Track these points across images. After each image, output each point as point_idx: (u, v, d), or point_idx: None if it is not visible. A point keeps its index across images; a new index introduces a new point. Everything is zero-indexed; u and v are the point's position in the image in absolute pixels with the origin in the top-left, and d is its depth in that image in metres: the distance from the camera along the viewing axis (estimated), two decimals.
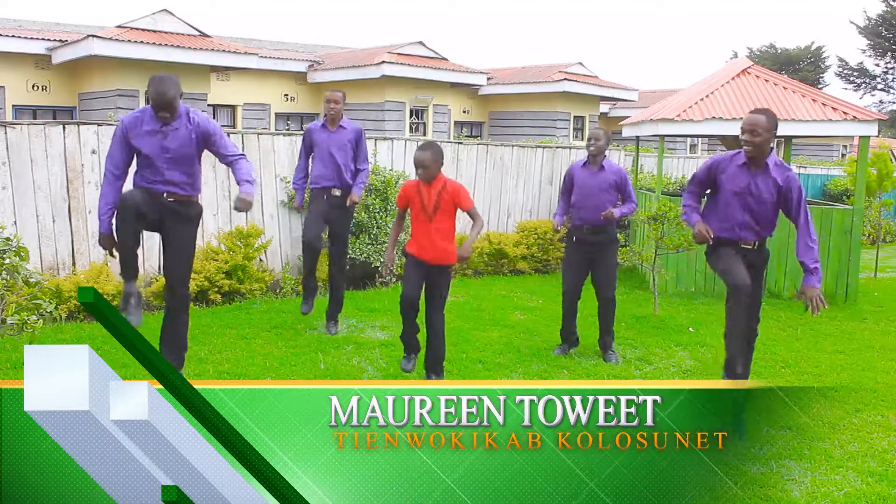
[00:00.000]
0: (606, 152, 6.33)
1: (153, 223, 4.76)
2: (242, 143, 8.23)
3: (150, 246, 7.34)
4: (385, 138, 9.68)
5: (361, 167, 6.66)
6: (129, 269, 4.70)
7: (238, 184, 4.70)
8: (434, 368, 5.41)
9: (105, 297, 7.37)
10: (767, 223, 4.87)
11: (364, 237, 8.63)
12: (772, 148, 4.74)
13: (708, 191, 5.05)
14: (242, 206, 4.53)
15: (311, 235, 6.54)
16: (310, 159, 6.73)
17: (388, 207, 8.72)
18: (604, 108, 21.96)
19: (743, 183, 4.77)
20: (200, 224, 5.25)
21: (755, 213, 4.79)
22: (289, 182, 8.51)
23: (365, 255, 8.56)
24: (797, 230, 4.75)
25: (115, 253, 4.72)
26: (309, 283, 6.74)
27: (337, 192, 6.53)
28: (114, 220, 4.66)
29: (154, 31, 13.39)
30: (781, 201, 4.78)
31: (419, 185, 5.19)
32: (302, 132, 8.41)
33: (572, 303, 6.32)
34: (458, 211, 5.27)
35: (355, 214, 7.82)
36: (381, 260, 8.48)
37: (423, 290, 5.33)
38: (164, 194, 4.69)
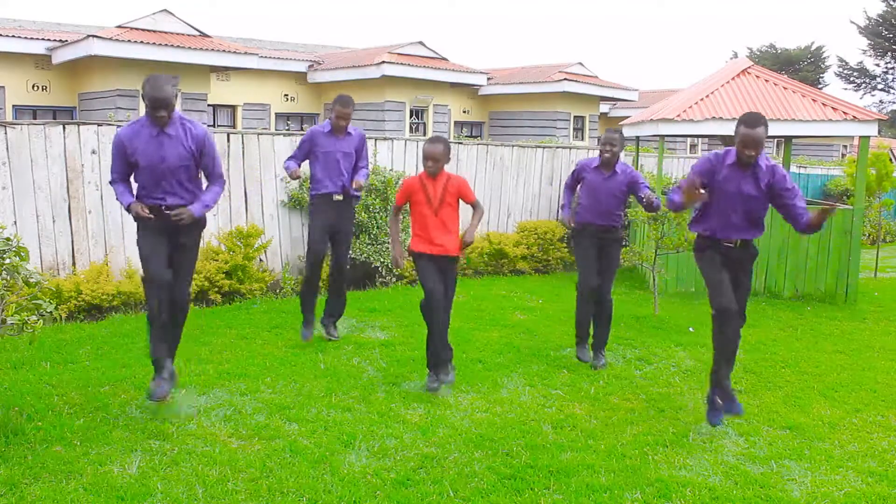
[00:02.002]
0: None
1: (168, 236, 4.69)
2: (242, 142, 8.23)
3: None
4: (385, 138, 9.68)
5: (362, 165, 6.63)
6: (160, 329, 4.64)
7: (196, 199, 4.68)
8: (442, 370, 5.36)
9: (104, 297, 7.36)
10: (758, 221, 4.79)
11: (364, 237, 8.64)
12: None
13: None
14: (176, 214, 4.52)
15: (317, 248, 6.50)
16: (303, 161, 6.57)
17: (388, 207, 8.72)
18: (604, 108, 21.95)
19: (735, 183, 4.69)
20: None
21: (746, 213, 4.73)
22: (289, 182, 8.52)
23: (365, 255, 8.56)
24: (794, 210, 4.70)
25: (147, 212, 4.58)
26: (307, 301, 6.57)
27: (339, 198, 6.49)
28: (132, 206, 4.59)
29: (154, 31, 13.38)
30: (773, 196, 4.70)
31: (423, 179, 5.23)
32: (302, 132, 8.40)
33: (594, 290, 6.07)
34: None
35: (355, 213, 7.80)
36: (390, 258, 8.44)
37: None
38: (163, 207, 4.62)
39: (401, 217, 5.56)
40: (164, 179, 4.59)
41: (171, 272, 4.64)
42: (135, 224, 4.78)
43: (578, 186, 6.27)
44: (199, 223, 4.78)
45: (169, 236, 4.70)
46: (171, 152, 4.55)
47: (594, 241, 6.10)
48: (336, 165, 6.47)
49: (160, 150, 4.53)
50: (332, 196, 6.49)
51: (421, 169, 5.42)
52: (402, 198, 5.34)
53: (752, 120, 4.53)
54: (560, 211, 6.49)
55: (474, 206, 5.36)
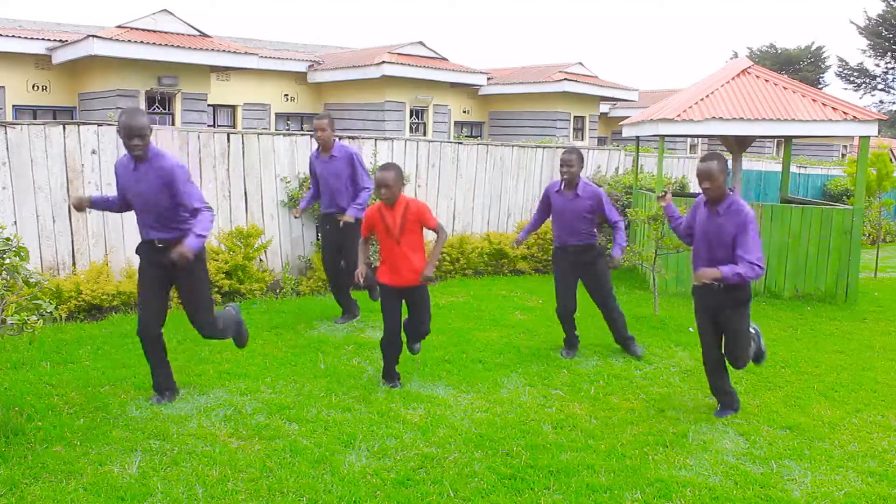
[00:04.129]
0: (582, 174, 6.22)
1: (167, 273, 4.70)
2: (242, 142, 8.22)
3: None
4: (385, 138, 9.68)
5: (365, 186, 6.81)
6: (156, 356, 4.79)
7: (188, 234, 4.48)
8: (415, 340, 5.59)
9: (104, 297, 7.37)
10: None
11: None
12: (731, 189, 4.75)
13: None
14: (176, 256, 4.31)
15: (329, 266, 7.06)
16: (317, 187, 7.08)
17: None
18: (604, 108, 21.96)
19: (709, 224, 4.80)
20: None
21: (720, 253, 4.77)
22: (289, 182, 8.52)
23: None
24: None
25: (81, 208, 4.78)
26: (340, 300, 7.15)
27: (340, 216, 6.80)
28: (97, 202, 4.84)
29: (154, 31, 13.38)
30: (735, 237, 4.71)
31: (381, 209, 5.11)
32: (302, 132, 8.51)
33: (569, 314, 6.24)
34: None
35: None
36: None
37: (407, 307, 5.36)
38: (156, 241, 4.64)
39: (369, 246, 5.53)
40: (146, 214, 4.62)
41: (158, 325, 4.71)
42: (135, 224, 4.83)
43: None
44: (198, 255, 4.65)
45: (167, 271, 4.68)
46: (145, 187, 4.55)
47: (571, 262, 6.19)
48: (326, 186, 6.87)
49: (137, 184, 4.59)
50: (334, 215, 6.87)
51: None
52: (365, 229, 5.26)
53: (707, 156, 4.71)
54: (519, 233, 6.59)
55: (437, 230, 5.19)
